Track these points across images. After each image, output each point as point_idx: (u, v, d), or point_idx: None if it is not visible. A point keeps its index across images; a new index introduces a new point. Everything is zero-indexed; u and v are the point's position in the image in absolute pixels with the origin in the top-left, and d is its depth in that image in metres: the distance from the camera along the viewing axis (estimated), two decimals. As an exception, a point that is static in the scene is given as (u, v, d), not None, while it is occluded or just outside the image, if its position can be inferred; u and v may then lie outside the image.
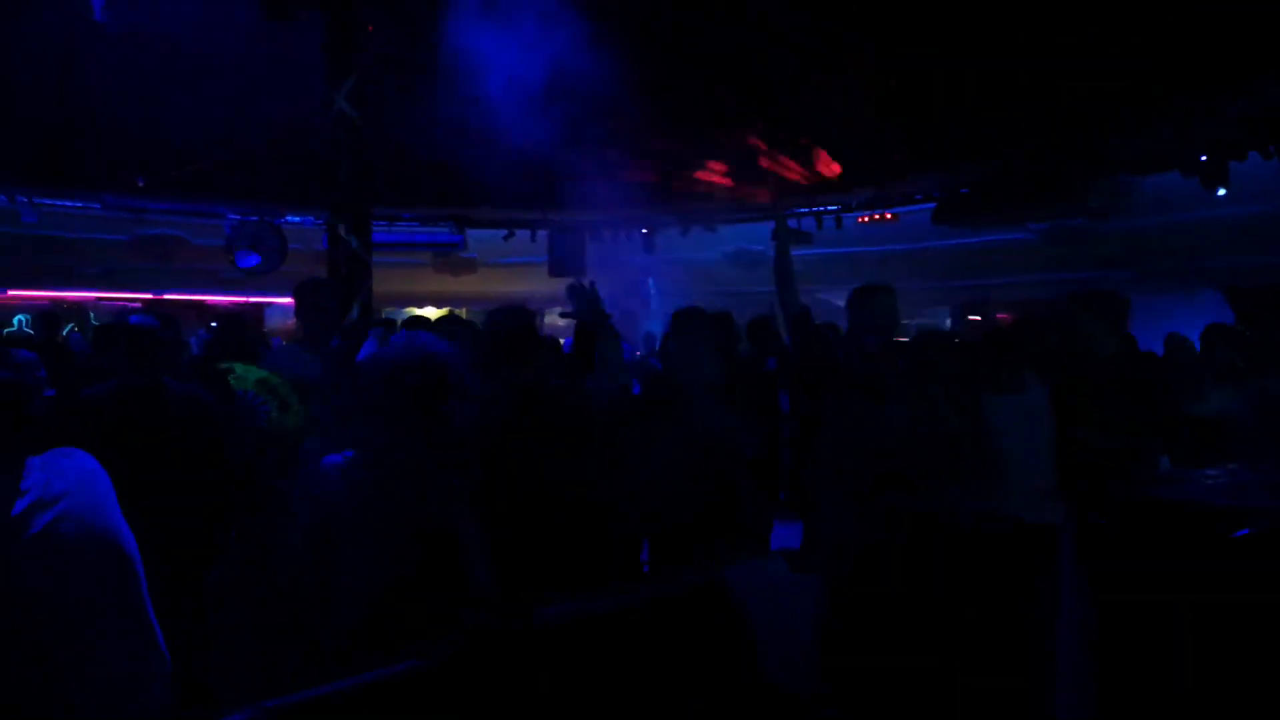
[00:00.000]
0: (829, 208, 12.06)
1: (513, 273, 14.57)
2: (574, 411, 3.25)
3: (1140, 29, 7.22)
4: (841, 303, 4.33)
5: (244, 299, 14.00)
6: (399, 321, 4.60)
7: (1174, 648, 1.87)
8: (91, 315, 12.98)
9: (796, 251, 12.71)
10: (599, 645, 2.46)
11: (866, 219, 11.98)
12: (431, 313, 15.29)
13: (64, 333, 12.34)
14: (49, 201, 11.17)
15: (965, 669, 2.78)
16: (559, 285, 14.23)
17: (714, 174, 11.84)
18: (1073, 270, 11.28)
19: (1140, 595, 1.90)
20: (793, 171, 11.47)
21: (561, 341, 4.83)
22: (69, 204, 11.53)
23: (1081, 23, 7.54)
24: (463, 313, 14.10)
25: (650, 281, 14.95)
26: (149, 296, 13.46)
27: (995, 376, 3.80)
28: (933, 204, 11.19)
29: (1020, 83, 8.19)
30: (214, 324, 7.18)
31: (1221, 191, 8.50)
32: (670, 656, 2.67)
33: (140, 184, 10.88)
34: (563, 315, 3.84)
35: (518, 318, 3.46)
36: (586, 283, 3.70)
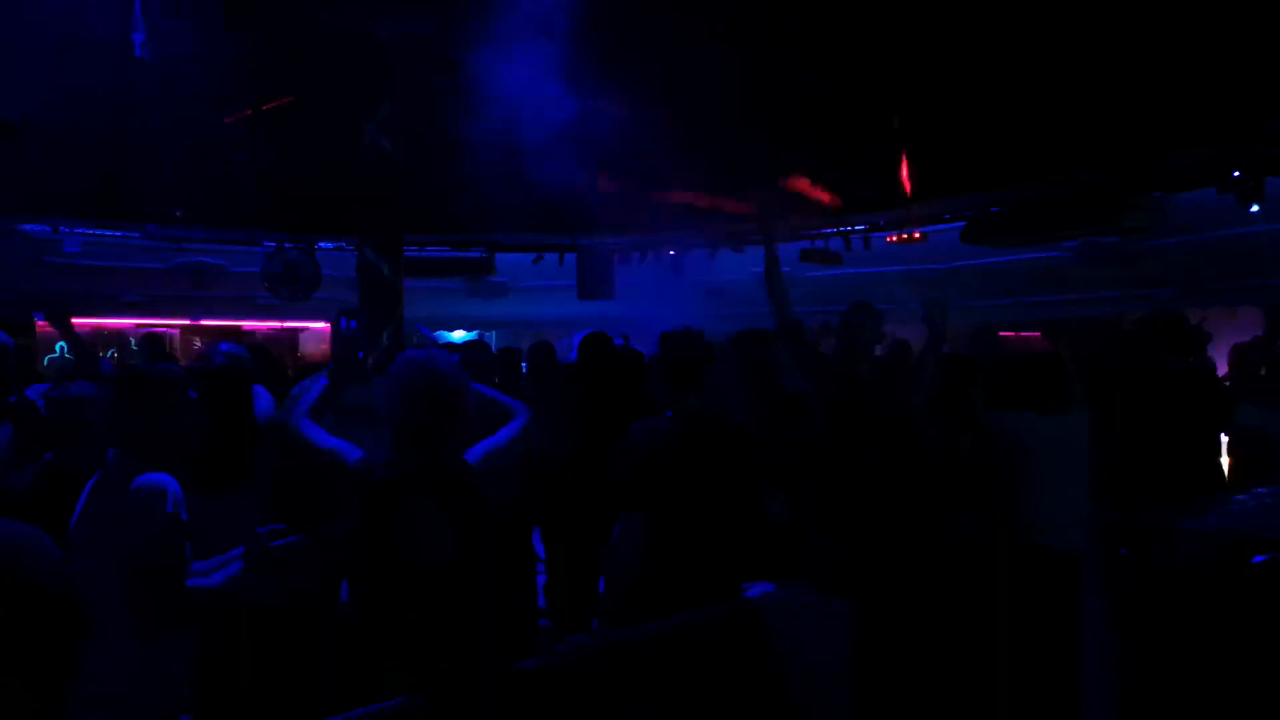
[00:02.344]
0: (857, 227, 12.02)
1: (543, 296, 14.68)
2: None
3: (1173, 46, 7.15)
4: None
5: (279, 324, 14.22)
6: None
7: (1198, 676, 1.84)
8: (132, 341, 13.25)
9: (825, 271, 12.72)
10: (639, 668, 2.50)
11: (895, 239, 11.92)
12: (460, 336, 15.46)
13: (106, 355, 12.64)
14: (91, 231, 11.47)
15: (993, 694, 2.74)
16: (587, 307, 14.30)
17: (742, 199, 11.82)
18: (1109, 289, 11.12)
19: (1164, 623, 1.88)
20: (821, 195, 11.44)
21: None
22: (110, 233, 11.83)
23: (1115, 41, 7.50)
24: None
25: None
26: (187, 323, 13.73)
27: (1040, 398, 3.73)
28: (961, 223, 11.11)
29: (1052, 100, 8.14)
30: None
31: (1255, 208, 8.37)
32: (705, 680, 2.68)
33: (179, 214, 11.13)
34: None
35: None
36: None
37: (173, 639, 2.42)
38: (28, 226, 11.25)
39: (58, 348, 12.70)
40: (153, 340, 7.55)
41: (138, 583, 2.28)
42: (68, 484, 2.61)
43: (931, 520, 3.16)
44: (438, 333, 13.94)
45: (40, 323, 12.44)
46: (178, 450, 2.52)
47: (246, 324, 13.97)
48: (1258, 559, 1.85)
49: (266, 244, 12.13)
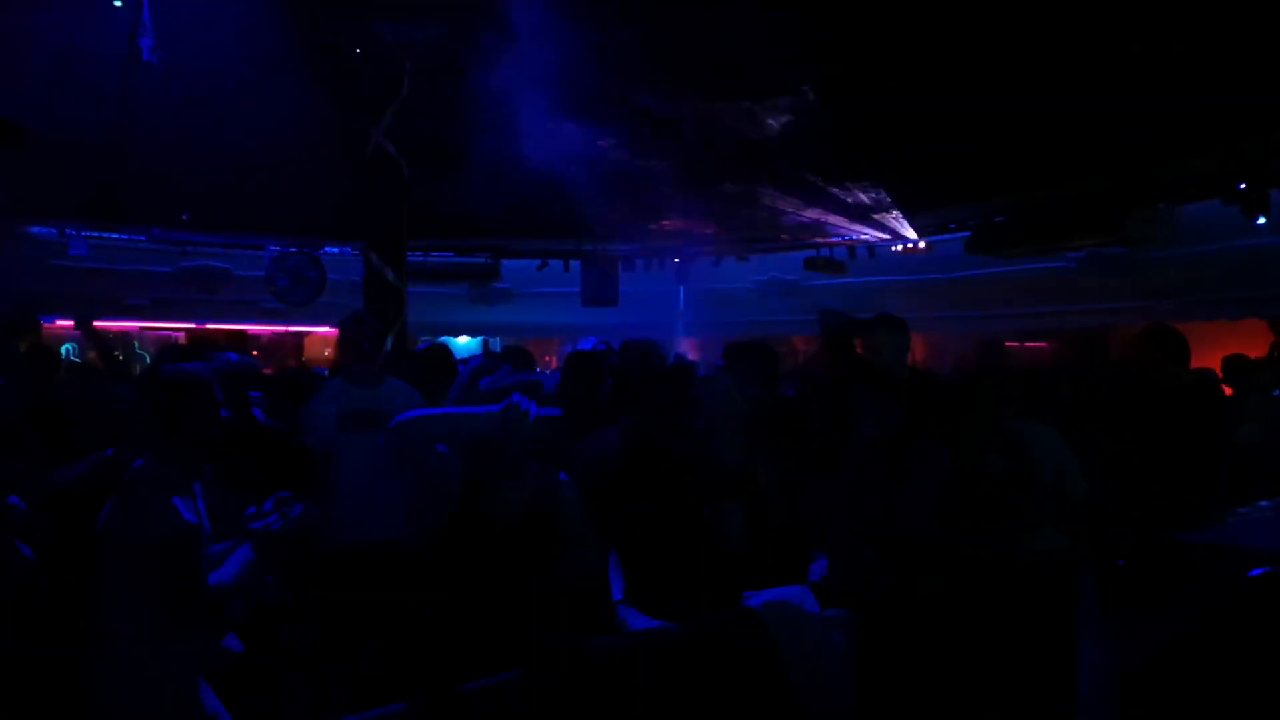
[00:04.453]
0: (861, 236, 12.03)
1: (547, 302, 14.71)
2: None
3: (1183, 58, 7.16)
4: None
5: (284, 328, 14.26)
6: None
7: (1194, 685, 1.84)
8: (136, 344, 13.29)
9: (830, 280, 12.73)
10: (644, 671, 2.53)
11: (900, 248, 11.93)
12: (464, 341, 15.47)
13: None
14: (97, 235, 11.51)
15: (994, 704, 2.73)
16: (591, 314, 14.29)
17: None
18: (1113, 299, 11.10)
19: (1161, 635, 1.89)
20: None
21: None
22: (117, 237, 11.87)
23: (1124, 53, 7.50)
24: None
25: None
26: (192, 326, 13.77)
27: (1033, 409, 3.74)
28: (966, 233, 11.13)
29: (1058, 112, 8.14)
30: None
31: (1261, 220, 8.37)
32: (707, 683, 2.69)
33: (185, 218, 11.19)
34: None
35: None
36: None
37: (188, 639, 2.45)
38: (35, 229, 11.31)
39: (64, 350, 12.74)
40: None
41: (152, 584, 2.32)
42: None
43: (947, 533, 3.14)
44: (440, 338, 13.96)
45: (47, 325, 12.49)
46: (204, 449, 2.56)
47: (251, 328, 13.99)
48: (1254, 572, 1.85)
49: (272, 248, 12.17)
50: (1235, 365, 6.14)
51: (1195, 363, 5.59)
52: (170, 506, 2.37)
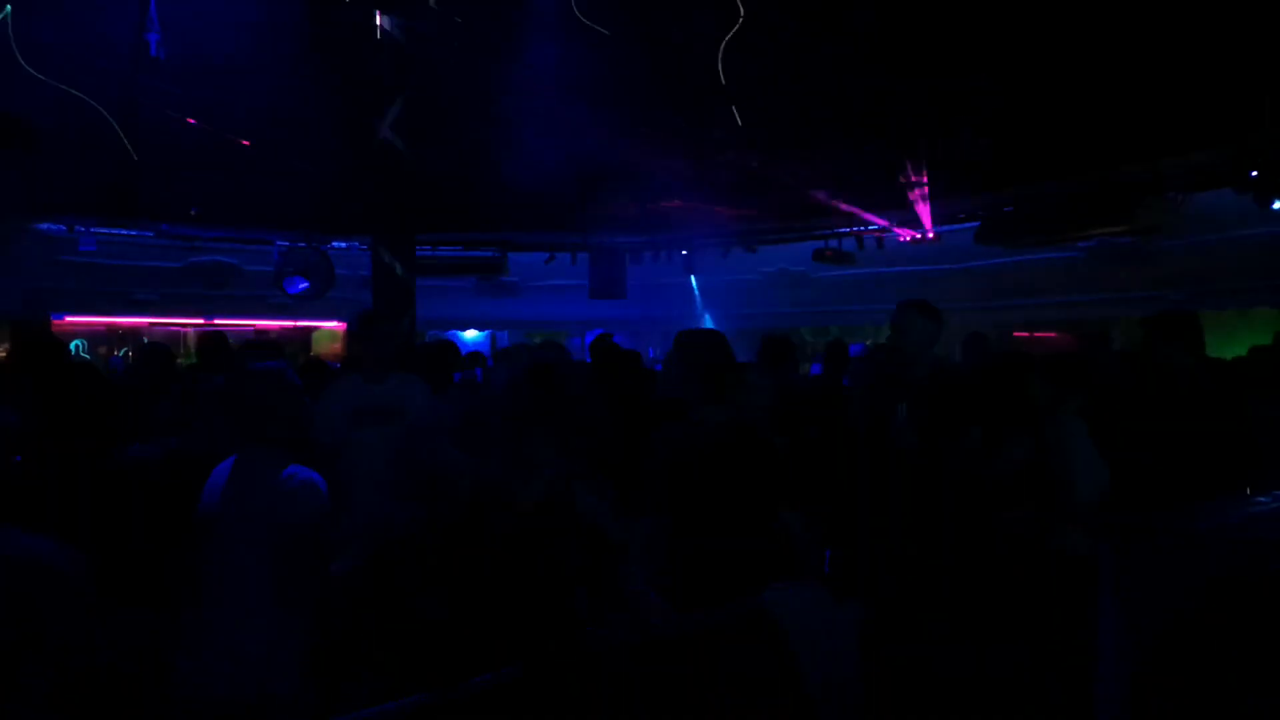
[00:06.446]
0: (870, 227, 11.98)
1: (554, 296, 14.69)
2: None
3: (1189, 45, 7.11)
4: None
5: (292, 323, 14.27)
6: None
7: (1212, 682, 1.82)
8: (145, 340, 13.33)
9: (838, 271, 12.68)
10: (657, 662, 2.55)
11: (909, 239, 11.86)
12: (471, 336, 15.46)
13: (120, 354, 12.73)
14: (106, 230, 11.54)
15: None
16: (598, 307, 14.21)
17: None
18: (1122, 290, 11.05)
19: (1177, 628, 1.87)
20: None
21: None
22: (125, 232, 11.90)
23: (1135, 38, 7.45)
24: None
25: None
26: (201, 321, 13.80)
27: (1063, 399, 3.69)
28: (976, 223, 11.07)
29: (1067, 99, 8.09)
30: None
31: (1278, 205, 8.29)
32: (717, 673, 2.70)
33: (194, 213, 11.21)
34: None
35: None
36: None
37: (301, 616, 2.59)
38: (44, 226, 11.34)
39: (73, 346, 12.80)
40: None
41: (288, 565, 2.49)
42: (191, 466, 2.84)
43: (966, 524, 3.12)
44: (449, 332, 13.97)
45: (56, 320, 12.55)
46: (297, 439, 2.73)
47: (260, 323, 14.01)
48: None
49: (280, 243, 12.19)
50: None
51: (1214, 352, 5.51)
52: (318, 491, 2.59)
